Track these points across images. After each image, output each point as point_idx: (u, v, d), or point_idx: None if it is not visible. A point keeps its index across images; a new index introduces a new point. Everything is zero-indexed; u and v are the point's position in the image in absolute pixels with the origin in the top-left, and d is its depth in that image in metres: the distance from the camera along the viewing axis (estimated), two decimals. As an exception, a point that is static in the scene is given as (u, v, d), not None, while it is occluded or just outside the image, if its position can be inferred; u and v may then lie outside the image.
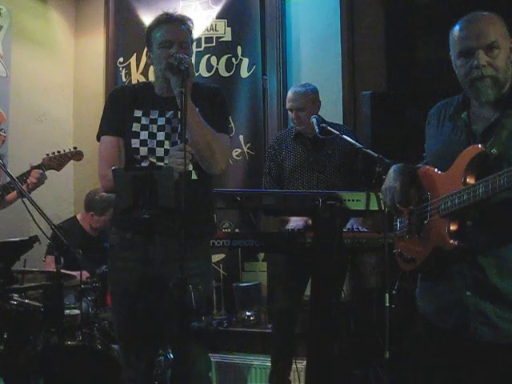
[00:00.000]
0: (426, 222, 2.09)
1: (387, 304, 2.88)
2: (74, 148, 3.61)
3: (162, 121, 2.55)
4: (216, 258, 4.54)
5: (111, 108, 2.66)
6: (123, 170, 2.18)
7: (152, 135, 2.53)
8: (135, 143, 2.53)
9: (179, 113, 2.43)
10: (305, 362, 3.80)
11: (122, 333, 2.61)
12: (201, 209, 2.52)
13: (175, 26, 2.56)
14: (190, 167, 2.47)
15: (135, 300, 2.47)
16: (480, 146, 1.95)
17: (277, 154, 3.80)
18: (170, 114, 2.55)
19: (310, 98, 3.75)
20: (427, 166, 2.19)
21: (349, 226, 3.41)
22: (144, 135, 2.54)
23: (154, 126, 2.55)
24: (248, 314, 4.59)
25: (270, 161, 3.83)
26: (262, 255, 4.63)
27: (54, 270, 3.60)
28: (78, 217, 4.54)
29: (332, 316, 3.35)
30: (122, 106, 2.60)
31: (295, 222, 3.52)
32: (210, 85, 2.76)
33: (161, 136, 2.53)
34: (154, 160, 2.50)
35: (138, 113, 2.58)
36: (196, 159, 2.48)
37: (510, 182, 1.74)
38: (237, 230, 3.82)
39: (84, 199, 4.55)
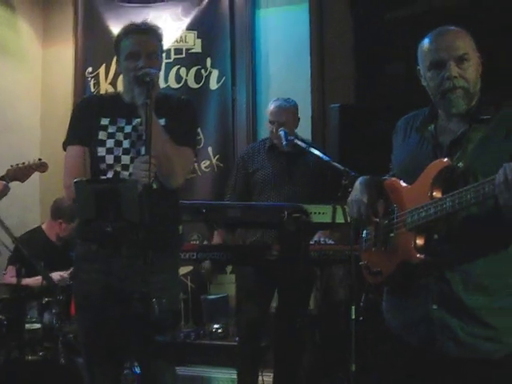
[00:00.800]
0: (392, 234, 2.09)
1: (353, 317, 2.88)
2: (39, 160, 3.57)
3: (128, 128, 2.52)
4: (184, 270, 4.51)
5: (77, 118, 2.63)
6: (85, 183, 2.13)
7: (118, 143, 2.50)
8: (101, 151, 2.50)
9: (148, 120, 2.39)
10: (271, 375, 3.79)
11: (86, 346, 2.55)
12: (165, 221, 2.49)
13: (143, 36, 2.52)
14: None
15: (99, 313, 2.43)
16: (446, 159, 1.95)
17: (247, 166, 3.79)
18: (136, 121, 2.52)
19: (292, 113, 3.76)
20: (393, 178, 2.19)
21: (316, 238, 3.41)
22: (110, 143, 2.50)
23: (121, 134, 2.51)
24: (216, 326, 4.56)
25: (238, 173, 3.82)
26: (230, 267, 4.61)
27: (15, 281, 3.58)
28: (44, 226, 4.48)
29: (298, 328, 3.35)
30: (88, 115, 2.57)
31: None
32: (180, 96, 2.75)
33: (126, 144, 2.50)
34: (120, 169, 2.47)
35: (104, 121, 2.54)
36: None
37: (477, 198, 1.75)
38: (205, 242, 3.79)
39: (51, 207, 4.49)
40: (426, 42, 2.06)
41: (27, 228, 4.57)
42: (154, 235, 2.23)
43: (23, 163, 3.49)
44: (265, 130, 4.28)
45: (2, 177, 3.34)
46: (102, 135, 2.52)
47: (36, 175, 5.35)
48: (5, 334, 3.34)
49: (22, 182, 3.51)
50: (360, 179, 2.23)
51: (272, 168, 3.73)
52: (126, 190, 2.10)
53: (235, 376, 3.91)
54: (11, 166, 3.46)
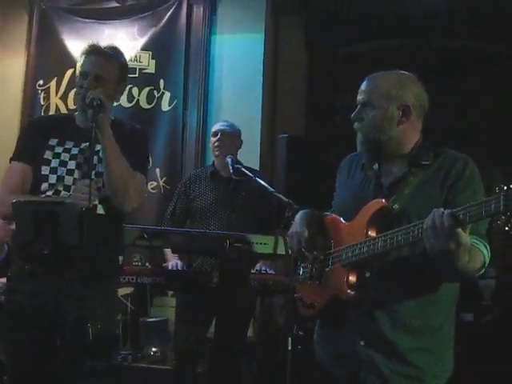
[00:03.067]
0: (327, 269, 2.12)
1: (289, 347, 2.90)
2: None
3: (75, 151, 2.51)
4: (124, 291, 4.45)
5: (27, 135, 2.63)
6: (23, 204, 2.10)
7: (63, 163, 2.48)
8: (45, 170, 2.48)
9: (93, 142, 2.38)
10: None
11: (13, 368, 2.49)
12: (106, 246, 2.47)
13: (95, 57, 2.52)
14: (96, 201, 2.44)
15: (29, 335, 2.37)
16: (383, 200, 2.01)
17: (188, 192, 3.78)
18: (84, 145, 2.51)
19: (237, 139, 3.83)
20: (334, 215, 2.23)
21: (257, 267, 3.43)
22: (55, 163, 2.48)
23: (67, 155, 2.50)
24: (154, 349, 4.50)
25: (178, 198, 3.82)
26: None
27: None
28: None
29: (235, 356, 3.35)
30: (38, 134, 2.55)
31: (174, 262, 3.56)
32: (134, 125, 2.73)
33: (72, 165, 2.48)
34: (61, 188, 2.45)
35: (52, 141, 2.53)
36: (107, 193, 2.44)
37: (406, 240, 1.81)
38: (147, 264, 3.75)
39: None
40: None
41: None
42: (93, 260, 2.22)
43: None
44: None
45: None
46: (47, 154, 2.50)
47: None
48: None
49: None
50: (301, 213, 2.27)
51: (213, 194, 3.72)
52: (64, 213, 2.08)
53: (172, 401, 3.87)
54: None
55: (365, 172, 2.18)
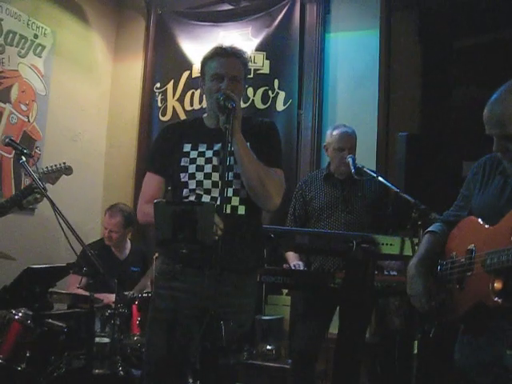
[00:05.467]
0: (469, 274, 2.06)
1: (415, 351, 2.84)
2: (63, 163, 3.61)
3: (209, 153, 2.56)
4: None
5: (159, 146, 2.70)
6: (164, 204, 2.17)
7: (199, 168, 2.54)
8: (184, 177, 2.55)
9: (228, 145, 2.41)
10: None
11: (152, 360, 2.54)
12: (251, 245, 2.52)
13: (228, 59, 2.55)
14: (237, 202, 2.48)
15: (174, 328, 2.45)
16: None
17: (304, 194, 3.78)
18: (217, 146, 2.56)
19: (355, 140, 3.74)
20: (472, 217, 2.16)
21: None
22: (192, 169, 2.55)
23: (202, 159, 2.55)
24: (268, 347, 4.55)
25: (296, 201, 3.82)
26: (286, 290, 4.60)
27: (78, 290, 3.65)
28: (107, 238, 4.52)
29: (359, 356, 3.32)
30: (171, 144, 2.62)
31: (296, 262, 3.54)
32: (263, 119, 2.73)
33: (208, 168, 2.54)
34: (202, 192, 2.51)
35: (186, 147, 2.59)
36: (248, 195, 2.49)
37: None
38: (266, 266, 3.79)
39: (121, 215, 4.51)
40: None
41: (87, 237, 4.65)
42: (237, 258, 2.27)
43: (54, 166, 3.55)
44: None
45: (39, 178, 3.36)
46: (184, 161, 2.57)
47: (99, 185, 5.59)
48: (66, 343, 3.39)
49: (53, 184, 3.56)
50: (413, 266, 2.28)
51: (328, 195, 3.70)
52: (202, 213, 2.13)
53: (286, 398, 3.90)
54: (42, 168, 3.51)
55: (505, 177, 2.11)
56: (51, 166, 3.56)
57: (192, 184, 2.54)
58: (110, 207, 4.46)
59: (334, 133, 3.72)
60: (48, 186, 3.35)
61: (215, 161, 2.54)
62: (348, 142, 3.65)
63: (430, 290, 2.18)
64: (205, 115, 2.72)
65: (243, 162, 2.42)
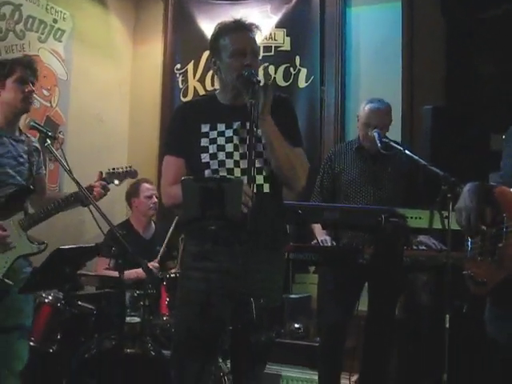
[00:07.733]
0: (500, 244, 2.02)
1: (447, 325, 2.81)
2: (130, 166, 3.60)
3: (229, 133, 2.50)
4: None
5: (176, 127, 2.62)
6: (192, 181, 2.16)
7: (220, 147, 2.49)
8: (205, 157, 2.49)
9: (247, 123, 2.35)
10: (351, 378, 3.74)
11: (183, 340, 2.52)
12: (276, 222, 2.49)
13: (246, 33, 2.47)
14: (261, 180, 2.44)
15: (207, 310, 2.42)
16: None
17: (333, 166, 3.73)
18: (236, 124, 2.50)
19: (387, 115, 3.67)
20: (504, 187, 2.11)
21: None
22: (213, 149, 2.49)
23: (222, 139, 2.50)
24: (296, 326, 4.55)
25: (324, 173, 3.77)
26: (312, 267, 4.57)
27: (105, 271, 3.68)
28: (131, 219, 4.55)
29: (389, 333, 3.30)
30: (188, 124, 2.55)
31: (323, 237, 3.49)
32: (279, 94, 2.61)
33: (229, 147, 2.48)
34: (225, 173, 2.46)
35: (205, 127, 2.53)
36: (276, 175, 2.45)
37: None
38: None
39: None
40: None
41: (113, 220, 4.66)
42: (266, 235, 2.25)
43: (120, 168, 3.53)
44: (353, 130, 4.22)
45: (104, 178, 3.36)
46: (204, 142, 2.51)
47: (123, 164, 5.55)
48: (96, 324, 3.43)
49: (118, 185, 3.55)
50: (468, 186, 2.17)
51: (357, 169, 3.65)
52: (230, 189, 2.11)
53: (315, 377, 3.89)
54: (109, 169, 3.50)
55: None
56: (117, 168, 3.54)
57: (214, 164, 2.47)
58: (138, 180, 4.40)
59: (366, 107, 3.65)
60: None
61: (235, 139, 2.49)
62: (375, 118, 3.58)
63: (484, 210, 2.10)
64: (217, 92, 2.64)
65: (274, 146, 2.37)
